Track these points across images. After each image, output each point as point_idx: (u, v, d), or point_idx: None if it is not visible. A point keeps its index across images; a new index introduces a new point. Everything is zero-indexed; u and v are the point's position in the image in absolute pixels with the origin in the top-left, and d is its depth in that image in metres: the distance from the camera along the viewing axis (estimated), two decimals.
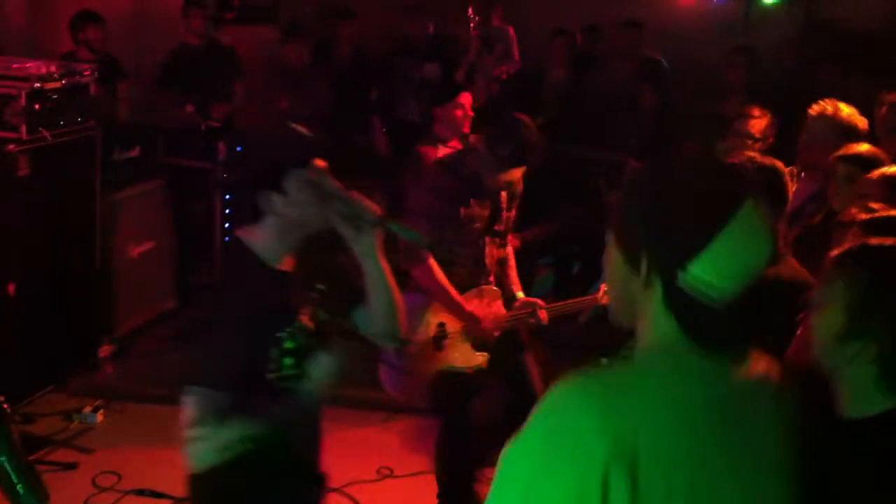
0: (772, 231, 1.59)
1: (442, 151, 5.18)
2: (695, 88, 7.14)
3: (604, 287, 4.09)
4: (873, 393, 1.86)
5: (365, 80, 7.66)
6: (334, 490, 4.65)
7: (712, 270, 1.54)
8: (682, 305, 1.58)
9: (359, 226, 2.57)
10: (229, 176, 6.70)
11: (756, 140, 4.90)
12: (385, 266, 2.69)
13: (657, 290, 1.60)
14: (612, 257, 1.66)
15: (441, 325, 4.13)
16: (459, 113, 5.22)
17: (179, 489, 4.52)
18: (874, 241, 1.97)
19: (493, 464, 1.58)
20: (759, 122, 4.95)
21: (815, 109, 4.37)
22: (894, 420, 1.84)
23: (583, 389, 1.55)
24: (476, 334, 4.14)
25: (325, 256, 2.77)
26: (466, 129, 5.28)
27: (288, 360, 2.63)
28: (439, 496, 4.27)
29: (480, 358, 4.18)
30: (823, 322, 1.92)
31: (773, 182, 2.98)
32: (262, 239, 2.60)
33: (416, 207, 4.12)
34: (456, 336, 4.15)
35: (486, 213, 4.14)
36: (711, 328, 1.58)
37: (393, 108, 7.82)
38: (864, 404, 1.87)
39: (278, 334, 2.60)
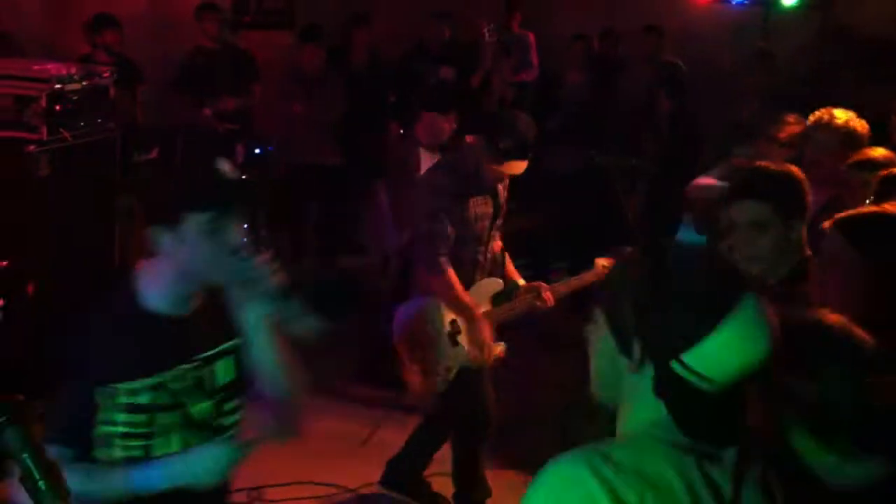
0: (770, 328, 1.59)
1: (425, 155, 5.22)
2: (712, 93, 7.13)
3: (600, 261, 4.19)
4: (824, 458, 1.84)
5: (381, 85, 7.68)
6: (350, 491, 4.67)
7: (706, 364, 1.56)
8: (674, 393, 1.59)
9: (251, 292, 2.30)
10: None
11: (783, 145, 4.89)
12: (277, 341, 2.40)
13: (648, 375, 1.61)
14: (601, 335, 1.67)
15: (453, 321, 4.17)
16: (447, 126, 5.23)
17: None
18: None
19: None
20: (794, 129, 4.94)
21: (811, 121, 4.33)
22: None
23: (592, 466, 1.55)
24: (478, 340, 4.15)
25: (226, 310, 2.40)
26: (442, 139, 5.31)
27: (140, 417, 2.29)
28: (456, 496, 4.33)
29: (497, 348, 4.23)
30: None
31: (793, 190, 2.94)
32: (151, 278, 2.32)
33: (419, 208, 4.16)
34: (466, 332, 4.19)
35: (490, 209, 4.20)
36: (702, 415, 1.59)
37: (409, 112, 7.83)
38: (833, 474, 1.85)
39: (126, 385, 2.26)
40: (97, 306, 2.38)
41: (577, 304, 4.44)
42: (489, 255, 4.30)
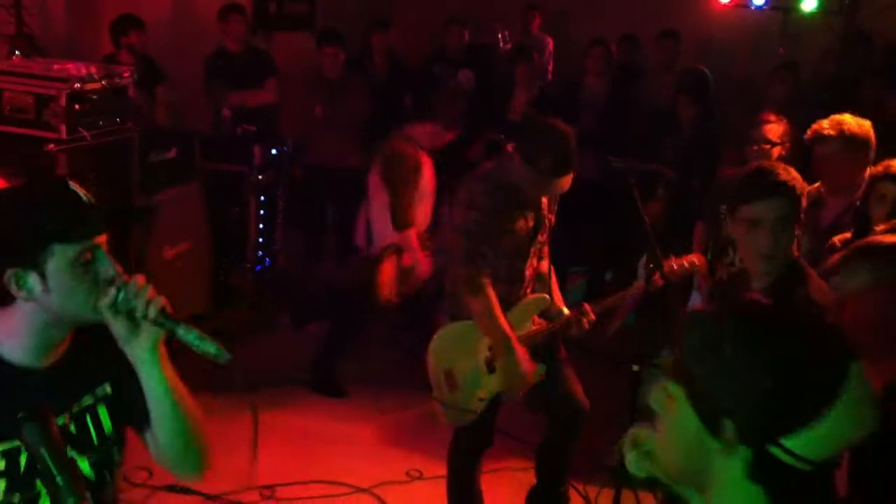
0: (876, 399, 1.43)
1: (423, 157, 5.20)
2: (732, 99, 7.11)
3: (639, 284, 4.08)
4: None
5: (400, 89, 7.69)
6: (363, 490, 4.67)
7: (814, 446, 1.40)
8: (772, 475, 1.42)
9: (136, 323, 2.03)
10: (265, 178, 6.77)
11: (774, 144, 4.88)
12: (171, 376, 2.14)
13: (741, 458, 1.43)
14: (683, 415, 1.47)
15: (491, 349, 4.02)
16: (448, 138, 5.20)
17: (209, 485, 4.57)
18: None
19: None
20: (775, 127, 4.93)
21: (809, 135, 4.28)
22: None
23: None
24: (513, 371, 3.97)
25: (109, 350, 2.07)
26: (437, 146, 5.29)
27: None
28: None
29: (535, 373, 4.02)
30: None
31: (801, 191, 2.94)
32: (8, 329, 2.01)
33: (456, 223, 4.00)
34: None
35: (531, 223, 4.04)
36: (802, 494, 1.43)
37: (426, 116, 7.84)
38: None
39: None
40: None
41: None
42: (531, 272, 4.14)
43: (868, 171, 4.08)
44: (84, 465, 2.08)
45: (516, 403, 4.23)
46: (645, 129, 7.26)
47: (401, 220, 5.17)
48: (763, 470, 1.41)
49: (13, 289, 1.95)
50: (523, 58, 7.44)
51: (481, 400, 4.04)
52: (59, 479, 1.64)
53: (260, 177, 6.80)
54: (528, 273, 4.13)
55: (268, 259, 7.06)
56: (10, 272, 1.93)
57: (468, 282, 3.88)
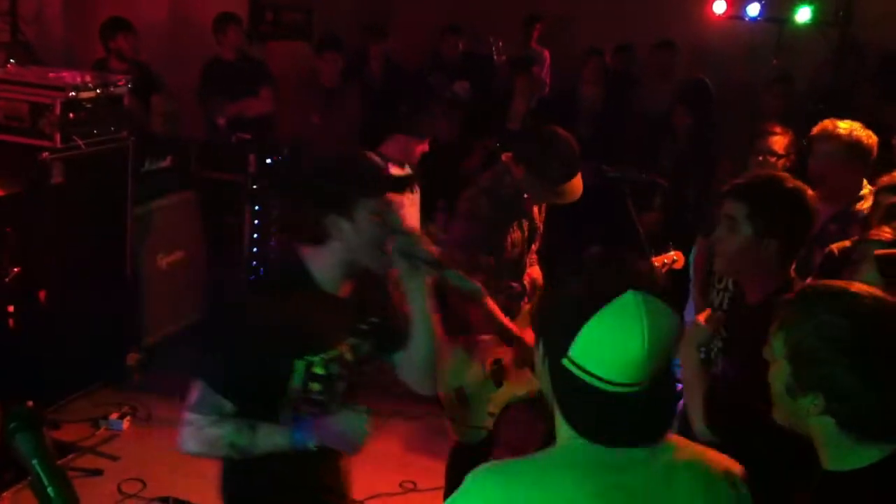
0: (658, 327, 1.60)
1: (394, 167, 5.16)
2: (727, 110, 7.12)
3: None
4: (844, 445, 1.79)
5: (396, 97, 7.68)
6: (357, 502, 4.65)
7: (586, 356, 1.62)
8: (568, 394, 1.66)
9: (415, 264, 2.55)
10: (275, 185, 6.75)
11: (779, 156, 4.87)
12: (432, 312, 2.65)
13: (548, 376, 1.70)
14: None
15: (497, 361, 4.02)
16: (420, 149, 5.17)
17: (203, 497, 4.55)
18: (810, 287, 1.92)
19: None
20: (781, 139, 4.93)
21: (815, 132, 4.28)
22: (873, 476, 1.77)
23: (488, 479, 1.66)
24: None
25: (382, 291, 2.73)
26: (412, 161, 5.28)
27: (315, 385, 2.55)
28: None
29: None
30: (775, 377, 1.87)
31: (774, 209, 2.89)
32: (321, 262, 2.54)
33: (454, 236, 4.01)
34: (512, 367, 4.06)
35: (527, 234, 4.06)
36: (601, 419, 1.64)
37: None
38: (839, 458, 1.81)
39: (309, 357, 2.52)
40: (272, 287, 2.60)
41: None
42: (528, 280, 4.16)
43: (865, 183, 4.09)
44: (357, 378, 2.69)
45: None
46: (641, 138, 7.27)
47: None
48: (561, 384, 1.68)
49: (331, 230, 2.47)
50: (523, 69, 7.45)
51: (491, 415, 4.04)
52: (50, 489, 1.62)
53: (255, 185, 6.79)
54: (526, 282, 4.13)
55: (262, 268, 7.03)
56: (330, 217, 2.46)
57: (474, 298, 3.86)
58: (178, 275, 6.20)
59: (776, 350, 1.85)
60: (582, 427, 1.66)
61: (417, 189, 5.35)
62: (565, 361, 1.64)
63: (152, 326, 5.97)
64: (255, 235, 6.89)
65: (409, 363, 2.75)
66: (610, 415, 1.64)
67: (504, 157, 4.10)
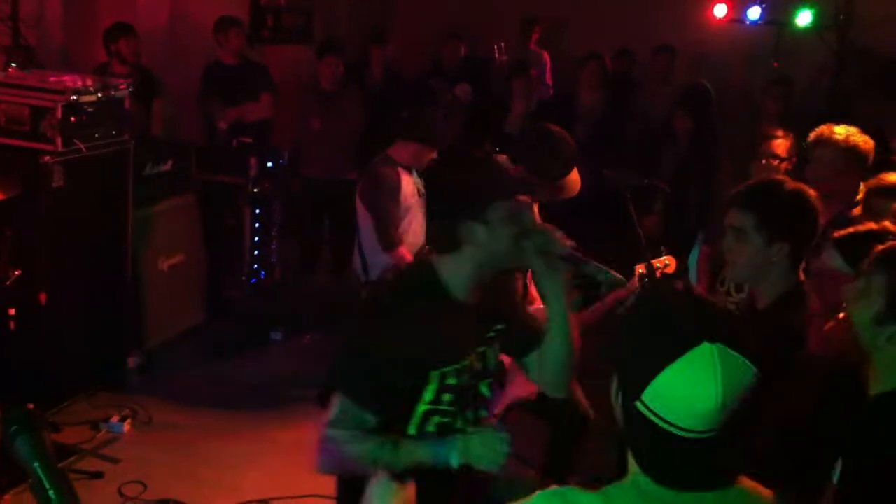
0: (732, 380, 1.60)
1: (403, 173, 5.19)
2: (727, 114, 7.12)
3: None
4: None
5: (397, 102, 7.69)
6: None
7: (658, 403, 1.62)
8: (640, 435, 1.67)
9: (552, 262, 2.50)
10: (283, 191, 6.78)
11: (782, 160, 4.88)
12: (569, 310, 2.59)
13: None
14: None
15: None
16: (430, 157, 5.19)
17: (204, 499, 4.56)
18: None
19: None
20: (783, 143, 4.94)
21: (811, 137, 4.30)
22: None
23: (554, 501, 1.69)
24: None
25: (507, 296, 2.71)
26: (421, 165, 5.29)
27: (447, 396, 2.52)
28: None
29: None
30: (863, 308, 2.22)
31: (782, 210, 2.90)
32: (455, 269, 2.52)
33: None
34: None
35: None
36: (670, 463, 1.66)
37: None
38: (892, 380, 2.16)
39: (444, 368, 2.48)
40: (406, 298, 2.55)
41: None
42: (528, 284, 4.16)
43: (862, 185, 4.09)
44: (485, 388, 2.67)
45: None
46: (641, 142, 7.27)
47: (387, 241, 5.16)
48: (633, 428, 1.69)
49: (465, 237, 2.45)
50: (520, 72, 7.46)
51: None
52: (51, 492, 1.62)
53: (255, 189, 6.80)
54: (526, 285, 4.15)
55: (262, 272, 7.05)
56: (464, 224, 2.43)
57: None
58: (179, 278, 6.20)
59: (874, 285, 2.25)
60: (650, 468, 1.68)
61: (425, 193, 5.37)
62: (638, 404, 1.64)
63: (153, 329, 5.97)
64: (256, 238, 6.91)
65: (543, 365, 2.69)
66: (679, 459, 1.66)
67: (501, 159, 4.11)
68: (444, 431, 2.54)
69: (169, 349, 6.11)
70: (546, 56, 8.79)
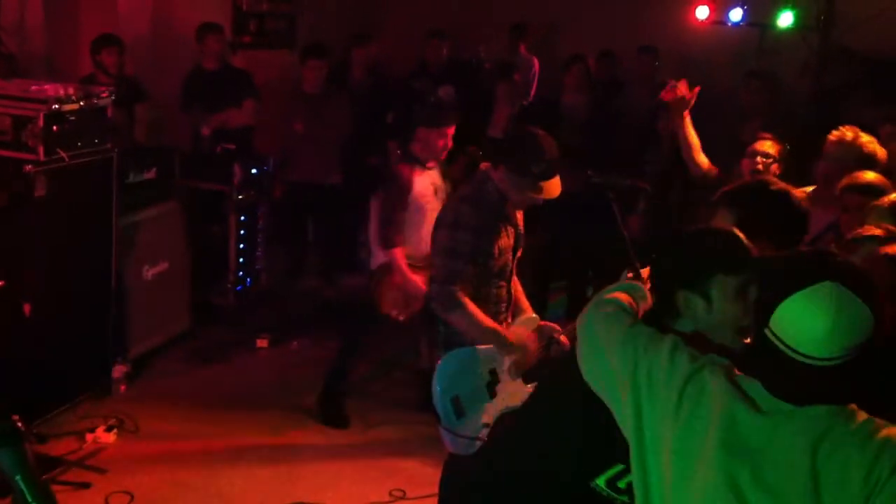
0: (846, 314, 1.87)
1: (419, 172, 5.20)
2: (710, 115, 7.14)
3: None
4: None
5: (381, 104, 7.69)
6: None
7: (780, 329, 1.92)
8: (764, 355, 1.96)
9: None
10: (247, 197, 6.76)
11: (772, 160, 4.90)
12: None
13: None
14: None
15: (492, 371, 4.01)
16: (441, 143, 5.19)
17: None
18: None
19: None
20: (771, 144, 4.96)
21: (834, 136, 4.33)
22: None
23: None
24: (525, 363, 4.04)
25: None
26: (443, 158, 5.29)
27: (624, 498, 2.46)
28: None
29: (531, 389, 4.04)
30: None
31: (761, 208, 2.91)
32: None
33: (438, 244, 4.01)
34: (506, 377, 4.04)
35: (511, 241, 4.08)
36: (784, 381, 1.95)
37: (407, 131, 7.84)
38: None
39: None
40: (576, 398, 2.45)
41: None
42: (512, 289, 4.18)
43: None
44: None
45: None
46: (625, 143, 7.28)
47: (385, 240, 5.18)
48: (760, 349, 2.00)
49: (682, 307, 2.35)
50: (505, 75, 7.46)
51: (486, 426, 4.03)
52: None
53: (240, 196, 6.79)
54: (510, 292, 4.15)
55: (249, 278, 7.04)
56: (682, 293, 2.33)
57: (445, 300, 3.90)
58: (164, 286, 6.18)
59: None
60: (767, 383, 1.98)
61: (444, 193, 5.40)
62: (766, 331, 1.94)
63: (138, 338, 5.95)
64: (241, 245, 6.89)
65: None
66: (794, 378, 1.93)
67: (483, 165, 4.12)
68: None
69: (155, 357, 6.10)
70: (535, 62, 8.80)
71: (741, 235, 2.42)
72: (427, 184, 5.24)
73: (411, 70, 8.30)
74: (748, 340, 2.29)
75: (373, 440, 5.35)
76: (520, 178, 3.92)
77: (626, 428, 2.18)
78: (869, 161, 4.17)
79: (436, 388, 3.99)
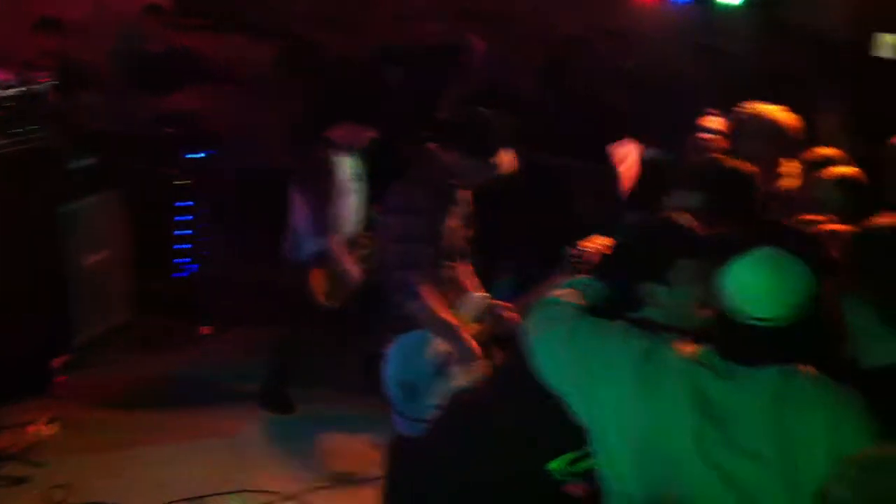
0: (783, 276, 2.02)
1: (342, 158, 5.15)
2: (658, 93, 7.15)
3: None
4: (881, 339, 2.15)
5: (338, 88, 7.60)
6: (291, 498, 4.61)
7: (727, 294, 2.08)
8: (718, 321, 2.13)
9: None
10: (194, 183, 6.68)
11: (720, 135, 4.93)
12: None
13: None
14: None
15: (443, 353, 3.91)
16: (367, 135, 5.21)
17: (133, 499, 4.48)
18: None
19: None
20: (718, 120, 4.99)
21: (742, 114, 4.36)
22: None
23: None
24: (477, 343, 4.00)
25: None
26: (366, 145, 5.30)
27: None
28: None
29: (482, 369, 3.99)
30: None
31: (740, 185, 2.94)
32: None
33: (390, 229, 3.98)
34: (454, 360, 4.04)
35: (461, 222, 4.08)
36: (736, 343, 2.08)
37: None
38: (875, 353, 2.16)
39: None
40: None
41: None
42: (462, 270, 4.18)
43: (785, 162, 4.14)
44: None
45: None
46: (578, 125, 7.28)
47: (319, 228, 5.13)
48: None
49: (646, 298, 2.39)
50: (453, 58, 7.42)
51: (437, 407, 4.01)
52: None
53: (184, 181, 6.69)
54: (459, 272, 4.13)
55: (193, 264, 6.95)
56: (644, 285, 2.38)
57: (405, 286, 3.87)
58: (106, 274, 6.09)
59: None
60: (720, 347, 2.11)
61: (365, 178, 5.36)
62: (717, 299, 2.10)
63: (80, 327, 5.84)
64: (185, 231, 6.80)
65: None
66: (744, 340, 2.06)
67: (430, 146, 4.09)
68: None
69: (97, 347, 6.00)
70: (480, 44, 8.74)
71: (692, 218, 2.48)
72: (348, 169, 5.21)
73: (368, 55, 8.22)
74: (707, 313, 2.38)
75: (318, 425, 5.30)
76: (472, 159, 3.92)
77: (585, 416, 2.26)
78: (782, 130, 4.21)
79: (386, 371, 3.97)
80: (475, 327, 4.09)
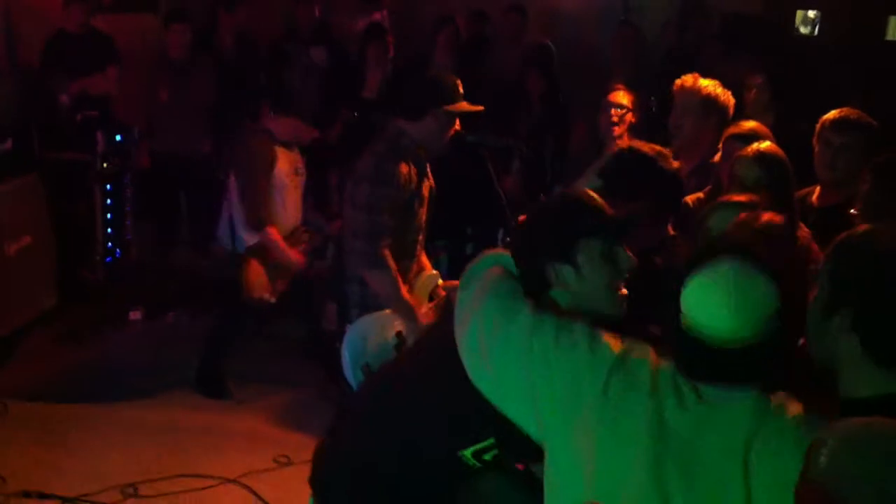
0: (746, 294, 1.88)
1: (281, 150, 5.12)
2: (579, 72, 7.24)
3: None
4: (864, 370, 1.83)
5: (251, 68, 7.51)
6: (230, 481, 4.58)
7: (689, 313, 1.94)
8: (681, 340, 1.96)
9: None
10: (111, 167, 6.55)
11: (626, 110, 5.01)
12: None
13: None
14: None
15: (398, 334, 3.98)
16: (310, 134, 5.18)
17: (66, 489, 4.41)
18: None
19: None
20: (625, 94, 5.07)
21: (677, 83, 4.45)
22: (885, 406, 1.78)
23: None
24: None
25: None
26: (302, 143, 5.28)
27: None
28: None
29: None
30: (813, 302, 1.94)
31: (621, 170, 2.97)
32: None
33: (355, 200, 3.93)
34: (412, 339, 4.05)
35: (426, 193, 4.09)
36: (700, 363, 1.93)
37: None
38: (858, 385, 1.85)
39: None
40: None
41: None
42: (421, 245, 4.18)
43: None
44: None
45: None
46: (495, 103, 7.31)
47: (254, 220, 5.08)
48: (675, 335, 1.99)
49: (552, 279, 2.30)
50: (375, 37, 7.39)
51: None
52: None
53: (105, 165, 6.56)
54: (419, 247, 4.16)
55: (118, 250, 6.83)
56: (550, 265, 2.29)
57: (370, 256, 3.86)
58: (28, 261, 5.93)
59: (820, 276, 1.97)
60: (686, 367, 1.96)
61: (304, 172, 5.32)
62: (680, 316, 1.95)
63: (3, 317, 5.70)
64: (108, 216, 6.68)
65: None
66: (712, 360, 1.91)
67: (395, 123, 4.04)
68: None
69: (22, 336, 5.87)
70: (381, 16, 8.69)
71: (596, 196, 2.39)
72: (288, 160, 5.17)
73: (280, 34, 8.13)
74: (624, 292, 2.34)
75: (256, 410, 5.29)
76: (434, 118, 3.93)
77: (534, 424, 2.11)
78: (713, 104, 4.31)
79: (345, 356, 3.97)
80: (429, 305, 4.12)
